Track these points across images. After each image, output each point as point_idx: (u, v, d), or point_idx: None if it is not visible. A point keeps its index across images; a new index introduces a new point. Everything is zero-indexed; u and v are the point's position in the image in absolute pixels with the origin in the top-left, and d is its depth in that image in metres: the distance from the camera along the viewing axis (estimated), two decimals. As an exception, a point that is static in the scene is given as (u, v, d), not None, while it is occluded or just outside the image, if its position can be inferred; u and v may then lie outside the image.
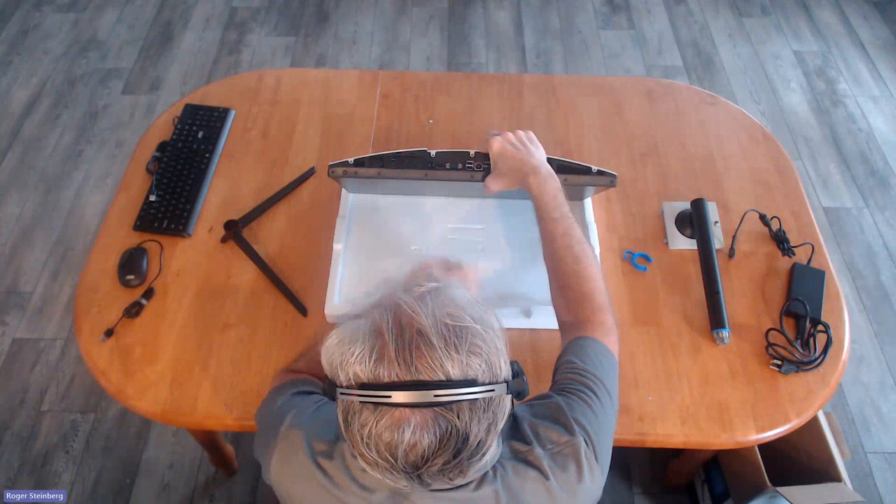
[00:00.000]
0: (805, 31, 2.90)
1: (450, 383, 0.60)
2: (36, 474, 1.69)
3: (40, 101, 2.55)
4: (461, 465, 0.63)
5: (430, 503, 0.70)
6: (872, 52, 2.80)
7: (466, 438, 0.61)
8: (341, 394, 0.62)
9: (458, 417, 0.60)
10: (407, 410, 0.60)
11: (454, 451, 0.61)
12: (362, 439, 0.62)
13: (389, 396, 0.59)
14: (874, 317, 2.01)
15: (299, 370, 0.94)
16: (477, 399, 0.61)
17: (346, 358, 0.62)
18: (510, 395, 0.65)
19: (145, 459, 1.71)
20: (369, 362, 0.61)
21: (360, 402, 0.61)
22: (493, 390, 0.62)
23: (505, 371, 0.65)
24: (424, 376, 0.60)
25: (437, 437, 0.60)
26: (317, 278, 1.16)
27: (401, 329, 0.61)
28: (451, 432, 0.60)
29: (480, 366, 0.62)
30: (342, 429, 0.65)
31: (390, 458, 0.61)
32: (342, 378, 0.63)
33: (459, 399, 0.60)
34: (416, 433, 0.60)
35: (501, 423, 0.65)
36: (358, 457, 0.65)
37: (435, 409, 0.60)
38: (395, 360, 0.60)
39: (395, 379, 0.60)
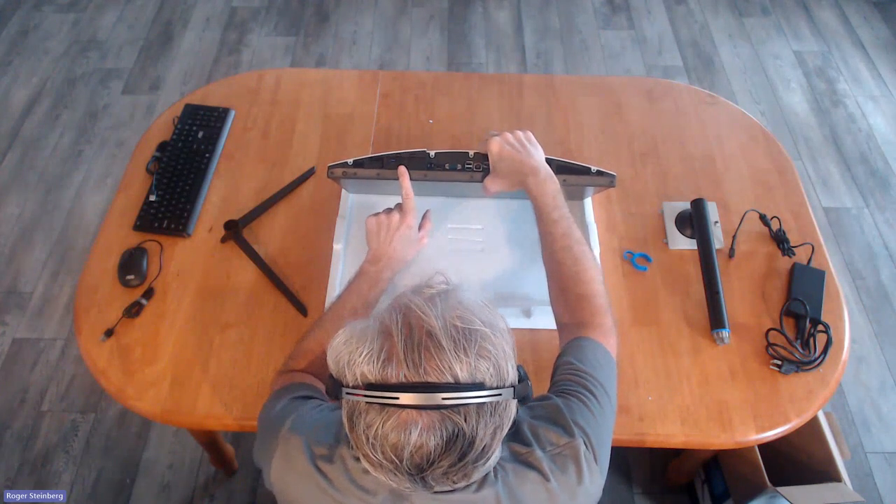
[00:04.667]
0: (805, 31, 2.89)
1: (458, 386, 0.59)
2: (36, 474, 1.69)
3: (40, 101, 2.55)
4: (466, 468, 0.63)
5: (430, 505, 0.70)
6: (872, 52, 2.80)
7: (472, 442, 0.61)
8: (347, 393, 0.62)
9: (465, 421, 0.60)
10: (414, 412, 0.59)
11: (460, 454, 0.61)
12: (367, 440, 0.62)
13: (397, 398, 0.59)
14: (874, 317, 2.01)
15: (296, 368, 0.94)
16: (484, 403, 0.61)
17: (353, 357, 0.62)
18: (516, 400, 0.65)
19: (145, 459, 1.71)
20: (377, 363, 0.60)
21: (367, 402, 0.61)
22: (500, 394, 0.61)
23: (512, 375, 0.64)
24: (432, 378, 0.59)
25: (443, 440, 0.60)
26: (317, 278, 1.16)
27: (410, 330, 0.61)
28: (457, 435, 0.60)
29: (489, 369, 0.61)
30: (347, 429, 0.64)
31: (395, 460, 0.61)
32: (349, 378, 0.62)
33: (467, 402, 0.60)
34: (422, 435, 0.59)
35: (507, 428, 0.65)
36: (362, 457, 0.65)
37: (442, 411, 0.59)
38: (404, 361, 0.60)
39: (403, 380, 0.59)
